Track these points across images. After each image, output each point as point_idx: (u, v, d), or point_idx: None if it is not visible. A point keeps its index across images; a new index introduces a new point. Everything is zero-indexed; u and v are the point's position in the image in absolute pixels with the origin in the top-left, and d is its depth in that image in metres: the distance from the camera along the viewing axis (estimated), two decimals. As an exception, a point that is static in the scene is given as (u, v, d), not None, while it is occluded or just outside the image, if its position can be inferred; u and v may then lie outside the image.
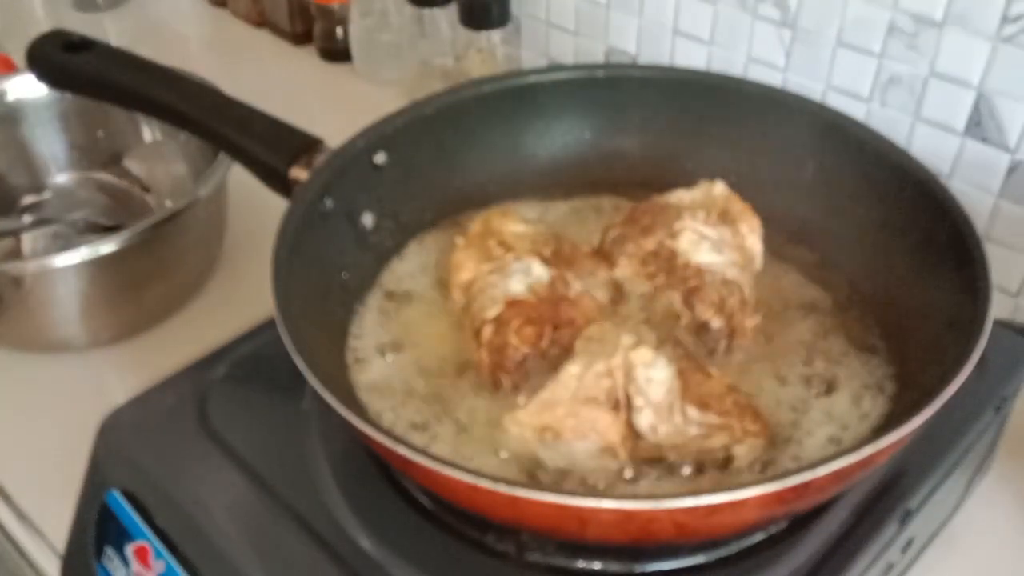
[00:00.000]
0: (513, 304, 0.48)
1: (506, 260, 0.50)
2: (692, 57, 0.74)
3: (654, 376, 0.43)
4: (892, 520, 0.45)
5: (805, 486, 0.36)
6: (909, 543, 0.48)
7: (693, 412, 0.44)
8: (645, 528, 0.38)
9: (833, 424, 0.47)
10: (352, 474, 0.47)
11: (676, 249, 0.51)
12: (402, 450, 0.38)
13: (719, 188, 0.54)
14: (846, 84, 0.66)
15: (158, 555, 0.46)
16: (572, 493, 0.36)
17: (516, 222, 0.54)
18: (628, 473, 0.44)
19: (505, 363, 0.47)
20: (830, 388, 0.49)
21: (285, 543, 0.44)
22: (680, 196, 0.54)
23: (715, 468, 0.44)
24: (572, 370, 0.44)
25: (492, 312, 0.48)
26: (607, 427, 0.43)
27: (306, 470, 0.47)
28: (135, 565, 0.47)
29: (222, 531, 0.45)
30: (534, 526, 0.40)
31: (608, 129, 0.62)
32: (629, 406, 0.43)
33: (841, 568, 0.43)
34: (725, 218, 0.53)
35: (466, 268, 0.51)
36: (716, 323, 0.49)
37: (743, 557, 0.44)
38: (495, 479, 0.36)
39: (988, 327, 0.42)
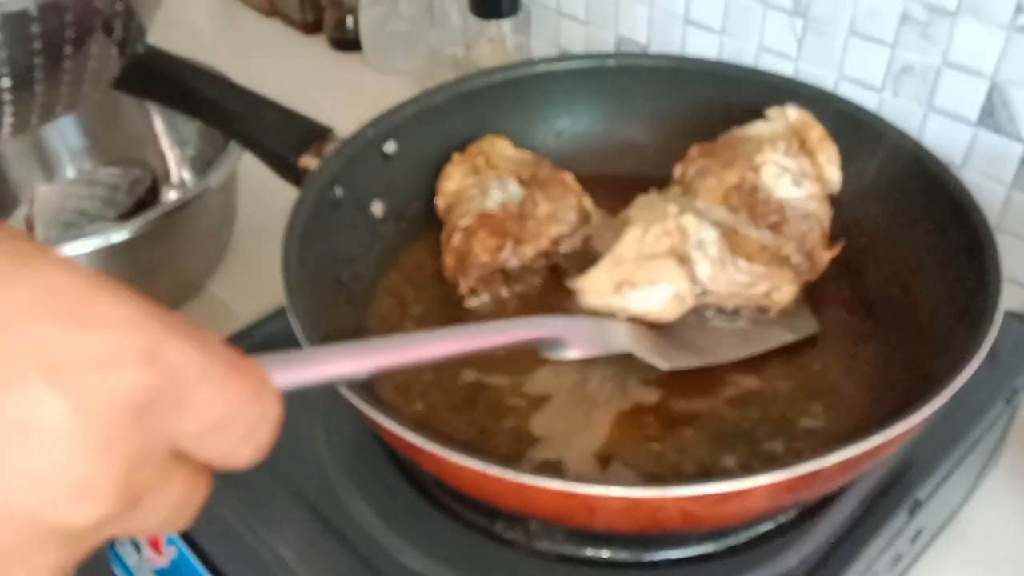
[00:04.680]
0: (483, 216, 0.52)
1: (488, 177, 0.55)
2: (703, 46, 0.74)
3: (705, 236, 0.47)
4: (901, 510, 0.45)
5: (814, 475, 0.36)
6: (918, 533, 0.48)
7: (743, 263, 0.48)
8: (653, 516, 0.38)
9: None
10: (361, 460, 0.47)
11: (757, 184, 0.52)
12: (411, 437, 0.38)
13: (793, 112, 0.55)
14: (858, 74, 0.66)
15: (170, 541, 0.46)
16: (579, 481, 0.36)
17: (507, 146, 0.57)
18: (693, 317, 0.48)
19: (465, 268, 0.51)
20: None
21: (295, 530, 0.45)
22: (760, 128, 0.55)
23: (754, 313, 0.50)
24: (633, 233, 0.47)
25: (465, 222, 0.52)
26: (676, 274, 0.46)
27: (316, 457, 0.48)
28: (147, 551, 0.48)
29: (234, 518, 0.45)
30: (542, 514, 0.40)
31: (618, 119, 0.62)
32: (689, 261, 0.47)
33: (850, 557, 0.43)
34: (803, 147, 0.54)
35: (453, 179, 0.55)
36: (796, 258, 0.50)
37: (752, 546, 0.44)
38: (504, 466, 0.36)
39: (999, 318, 0.41)
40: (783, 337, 0.50)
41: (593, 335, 0.43)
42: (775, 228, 0.50)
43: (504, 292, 0.53)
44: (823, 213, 0.52)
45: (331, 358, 0.30)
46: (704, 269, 0.47)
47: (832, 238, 0.53)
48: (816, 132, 0.54)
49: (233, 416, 0.24)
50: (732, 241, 0.49)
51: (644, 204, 0.50)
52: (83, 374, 0.20)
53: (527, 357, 0.50)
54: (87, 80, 0.47)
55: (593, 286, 0.46)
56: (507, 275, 0.53)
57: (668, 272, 0.46)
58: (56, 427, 0.20)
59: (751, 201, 0.51)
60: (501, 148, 0.57)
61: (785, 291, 0.49)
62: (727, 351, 0.48)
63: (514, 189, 0.54)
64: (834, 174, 0.54)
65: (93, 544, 0.22)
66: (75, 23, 0.43)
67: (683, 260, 0.47)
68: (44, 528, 0.20)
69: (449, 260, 0.53)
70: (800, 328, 0.51)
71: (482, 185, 0.54)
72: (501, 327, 0.39)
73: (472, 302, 0.53)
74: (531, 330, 0.40)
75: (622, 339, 0.45)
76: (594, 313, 0.47)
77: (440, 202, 0.56)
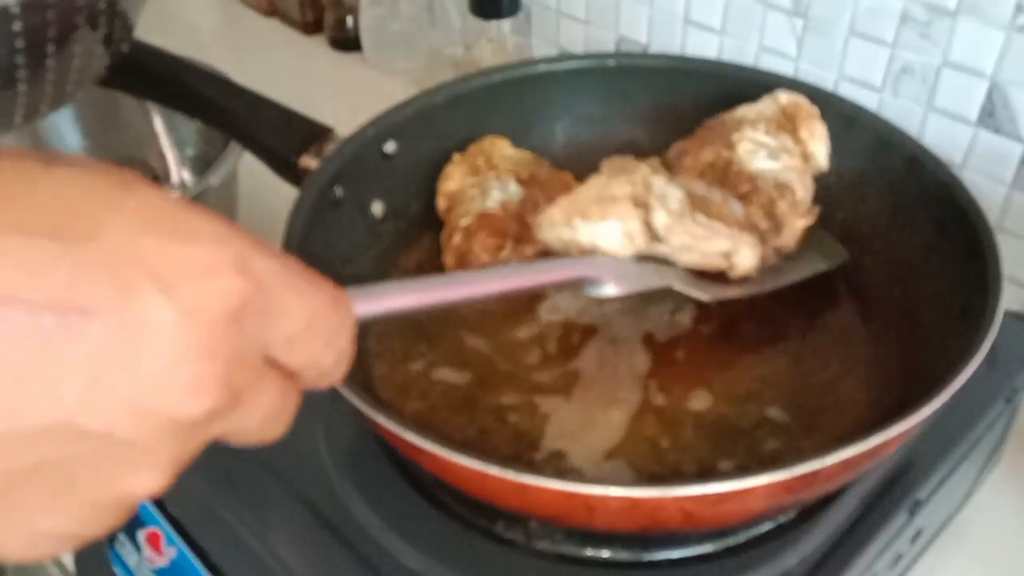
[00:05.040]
0: (483, 216, 0.52)
1: (488, 177, 0.55)
2: (703, 46, 0.74)
3: (669, 193, 0.47)
4: (901, 511, 0.45)
5: (813, 475, 0.36)
6: (918, 534, 0.48)
7: (701, 218, 0.47)
8: (652, 516, 0.38)
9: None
10: (361, 460, 0.48)
11: (732, 159, 0.52)
12: (411, 437, 0.38)
13: (783, 96, 0.55)
14: (858, 74, 0.66)
15: (170, 541, 0.46)
16: (580, 481, 0.36)
17: (507, 146, 0.58)
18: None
19: (465, 268, 0.52)
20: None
21: (295, 530, 0.45)
22: (744, 110, 0.55)
23: (716, 274, 0.48)
24: (597, 180, 0.47)
25: (465, 221, 0.53)
26: (628, 212, 0.46)
27: (316, 457, 0.48)
28: (147, 551, 0.48)
29: (234, 518, 0.45)
30: (543, 513, 0.40)
31: (619, 119, 0.62)
32: (648, 209, 0.46)
33: (850, 558, 0.43)
34: (786, 126, 0.54)
35: (453, 179, 0.56)
36: (763, 224, 0.50)
37: (751, 546, 0.44)
38: (504, 466, 0.36)
39: (999, 318, 0.41)
40: (817, 266, 0.51)
41: (631, 272, 0.45)
42: (744, 197, 0.50)
43: None
44: (799, 184, 0.51)
45: (395, 292, 0.33)
46: (661, 218, 0.46)
47: (826, 228, 0.53)
48: (803, 111, 0.54)
49: (315, 322, 0.27)
50: (700, 204, 0.48)
51: (615, 163, 0.50)
52: (186, 283, 0.23)
53: (527, 358, 0.50)
54: (72, 78, 0.47)
55: (548, 220, 0.47)
56: None
57: (620, 209, 0.46)
58: (168, 331, 0.23)
59: (724, 175, 0.51)
60: (501, 148, 0.57)
61: (745, 255, 0.48)
62: (764, 282, 0.49)
63: (514, 189, 0.54)
64: (819, 149, 0.53)
65: (204, 439, 0.25)
66: (58, 20, 0.43)
67: (640, 205, 0.46)
68: (163, 421, 0.23)
69: (449, 260, 0.53)
70: (831, 257, 0.52)
71: (482, 185, 0.54)
72: (546, 266, 0.42)
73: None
74: (574, 268, 0.43)
75: (660, 275, 0.46)
76: (549, 247, 0.47)
77: (440, 202, 0.56)
